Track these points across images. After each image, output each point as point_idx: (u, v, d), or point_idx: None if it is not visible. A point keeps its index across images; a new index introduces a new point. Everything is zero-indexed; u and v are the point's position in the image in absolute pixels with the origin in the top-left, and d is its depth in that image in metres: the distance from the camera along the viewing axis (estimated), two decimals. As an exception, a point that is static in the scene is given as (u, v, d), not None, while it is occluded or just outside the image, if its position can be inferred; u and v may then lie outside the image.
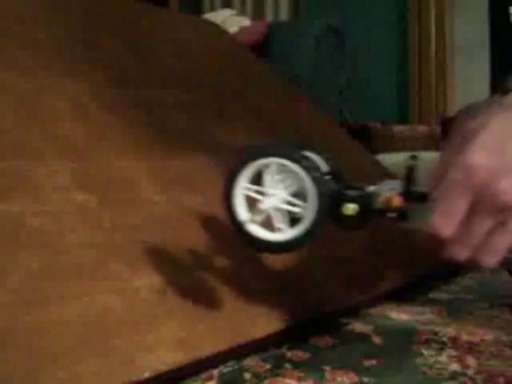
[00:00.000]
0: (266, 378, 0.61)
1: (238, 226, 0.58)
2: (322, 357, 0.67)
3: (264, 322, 0.69)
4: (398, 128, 2.13)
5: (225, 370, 0.63)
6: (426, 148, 1.88)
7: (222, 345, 0.63)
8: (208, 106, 1.00)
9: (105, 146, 0.77)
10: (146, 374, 0.55)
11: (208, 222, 0.78)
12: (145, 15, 1.18)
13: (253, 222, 0.57)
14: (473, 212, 0.53)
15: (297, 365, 0.64)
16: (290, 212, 0.57)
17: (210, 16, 2.23)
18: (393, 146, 1.96)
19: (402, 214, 0.57)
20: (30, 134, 0.71)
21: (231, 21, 2.24)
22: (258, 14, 2.86)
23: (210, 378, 0.61)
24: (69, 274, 0.59)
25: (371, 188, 0.59)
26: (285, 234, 0.56)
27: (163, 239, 0.70)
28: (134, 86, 0.93)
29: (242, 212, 0.58)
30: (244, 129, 1.02)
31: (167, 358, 0.58)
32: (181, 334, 0.61)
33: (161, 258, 0.68)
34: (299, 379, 0.61)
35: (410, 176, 0.59)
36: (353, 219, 0.57)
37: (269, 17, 2.87)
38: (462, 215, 0.54)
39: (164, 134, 0.87)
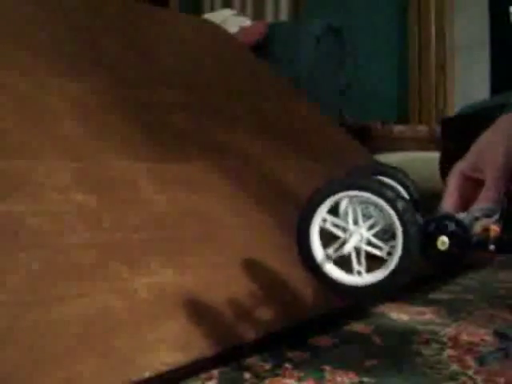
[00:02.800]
0: (265, 377, 0.61)
1: (314, 267, 0.51)
2: (322, 357, 0.67)
3: (264, 322, 0.69)
4: (398, 128, 2.13)
5: (225, 370, 0.62)
6: (425, 148, 1.88)
7: (222, 345, 0.63)
8: (208, 106, 1.00)
9: (105, 146, 0.77)
10: (146, 374, 0.55)
11: (207, 222, 0.78)
12: (145, 15, 1.18)
13: (330, 261, 0.50)
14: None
15: (297, 365, 0.64)
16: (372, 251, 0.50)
17: (209, 16, 2.22)
18: (393, 145, 1.96)
19: (502, 245, 0.50)
20: (30, 134, 0.71)
21: (231, 21, 2.24)
22: (258, 14, 2.86)
23: (210, 378, 0.61)
24: (69, 274, 0.59)
25: (462, 216, 0.51)
26: (366, 277, 0.49)
27: (163, 239, 0.70)
28: (134, 86, 0.93)
29: (318, 251, 0.50)
30: (244, 129, 1.02)
31: (167, 358, 0.58)
32: (181, 334, 0.61)
33: (161, 258, 0.68)
34: (299, 379, 0.61)
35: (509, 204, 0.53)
36: (448, 255, 0.49)
37: (269, 17, 2.87)
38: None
39: (164, 134, 0.87)
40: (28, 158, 0.68)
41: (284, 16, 2.88)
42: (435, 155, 1.19)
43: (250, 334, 0.67)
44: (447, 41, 2.50)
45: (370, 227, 0.50)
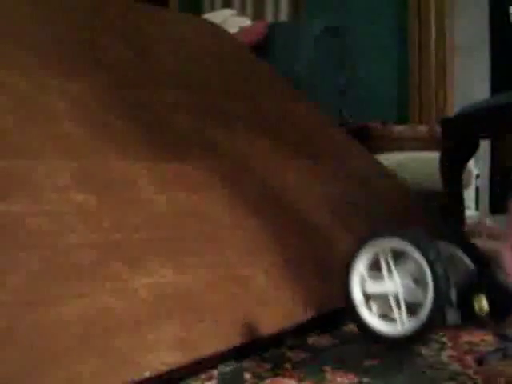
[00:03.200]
0: (265, 377, 0.61)
1: (352, 310, 0.54)
2: (322, 357, 0.67)
3: (264, 322, 0.69)
4: (398, 128, 2.13)
5: (224, 370, 0.62)
6: (425, 148, 1.87)
7: (222, 345, 0.63)
8: (208, 106, 1.00)
9: (105, 146, 0.77)
10: (146, 374, 0.55)
11: (207, 222, 0.78)
12: (145, 15, 1.18)
13: (367, 308, 0.54)
14: None
15: (297, 365, 0.64)
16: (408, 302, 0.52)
17: (209, 16, 2.22)
18: (393, 146, 1.96)
19: None
20: (30, 134, 0.71)
21: (231, 21, 2.24)
22: (258, 14, 2.86)
23: (210, 378, 0.61)
24: (69, 274, 0.59)
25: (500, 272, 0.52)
26: (398, 326, 0.52)
27: (163, 239, 0.70)
28: (134, 85, 0.93)
29: (357, 296, 0.54)
30: (244, 129, 1.02)
31: (167, 358, 0.58)
32: (181, 334, 0.61)
33: (161, 258, 0.67)
34: (299, 379, 0.61)
35: None
36: (488, 313, 0.50)
37: (269, 17, 2.86)
38: None
39: (164, 134, 0.87)
40: (28, 158, 0.68)
41: (284, 16, 2.87)
42: (435, 155, 1.18)
43: (250, 334, 0.67)
44: (447, 41, 2.49)
45: (406, 276, 0.52)
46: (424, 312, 0.49)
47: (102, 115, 0.82)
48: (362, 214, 1.02)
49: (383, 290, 0.52)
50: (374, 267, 0.53)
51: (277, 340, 0.70)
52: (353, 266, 0.53)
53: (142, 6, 1.23)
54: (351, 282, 0.53)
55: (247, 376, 0.61)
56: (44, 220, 0.62)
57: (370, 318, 0.53)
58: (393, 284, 0.51)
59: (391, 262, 0.52)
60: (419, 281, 0.50)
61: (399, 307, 0.51)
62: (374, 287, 0.53)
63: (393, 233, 0.51)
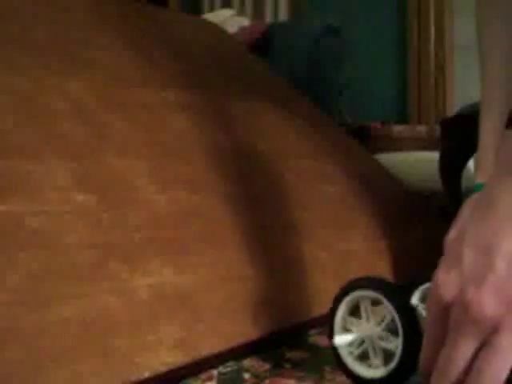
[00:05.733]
0: (265, 377, 0.61)
1: (336, 353, 0.57)
2: (322, 357, 0.67)
3: (264, 322, 0.69)
4: (398, 128, 2.13)
5: (224, 370, 0.62)
6: (425, 148, 1.87)
7: (222, 345, 0.64)
8: (208, 106, 1.00)
9: (105, 146, 0.77)
10: (146, 374, 0.55)
11: (208, 222, 0.78)
12: (145, 15, 1.18)
13: (349, 352, 0.56)
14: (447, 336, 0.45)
15: (297, 365, 0.64)
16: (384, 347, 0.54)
17: (209, 16, 2.22)
18: (392, 146, 1.95)
19: None
20: (30, 134, 0.71)
21: (231, 21, 2.23)
22: (257, 14, 2.86)
23: (210, 378, 0.61)
24: (69, 274, 0.59)
25: None
26: (376, 370, 0.54)
27: (163, 239, 0.70)
28: (133, 85, 0.93)
29: (338, 340, 0.56)
30: (244, 129, 1.02)
31: (167, 358, 0.58)
32: (181, 333, 0.61)
33: (161, 258, 0.68)
34: (299, 379, 0.61)
35: None
36: None
37: (268, 17, 2.86)
38: (438, 342, 0.46)
39: (164, 134, 0.87)
40: (28, 158, 0.68)
41: (283, 16, 2.88)
42: (435, 155, 1.18)
43: (250, 334, 0.67)
44: (447, 41, 2.49)
45: (380, 323, 0.55)
46: (396, 358, 0.52)
47: (102, 115, 0.82)
48: (361, 214, 1.02)
49: (361, 335, 0.55)
50: (357, 312, 0.57)
51: (277, 340, 0.70)
52: (334, 312, 0.57)
53: (141, 6, 1.23)
54: (334, 327, 0.57)
55: (247, 376, 0.61)
56: (44, 220, 0.62)
57: (351, 361, 0.56)
58: (370, 329, 0.55)
59: (369, 309, 0.55)
60: (392, 328, 0.53)
61: (375, 352, 0.54)
62: (353, 332, 0.56)
63: (368, 284, 0.55)
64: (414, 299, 0.54)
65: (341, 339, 0.56)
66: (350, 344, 0.56)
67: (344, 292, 0.57)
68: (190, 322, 0.63)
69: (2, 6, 0.89)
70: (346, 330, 0.57)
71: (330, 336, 0.57)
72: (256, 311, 0.69)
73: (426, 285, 0.53)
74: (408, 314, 0.52)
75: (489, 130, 0.67)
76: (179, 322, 0.62)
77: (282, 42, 2.06)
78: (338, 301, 0.57)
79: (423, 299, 0.53)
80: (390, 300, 0.53)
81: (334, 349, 0.57)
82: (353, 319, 0.56)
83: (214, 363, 0.63)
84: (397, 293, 0.54)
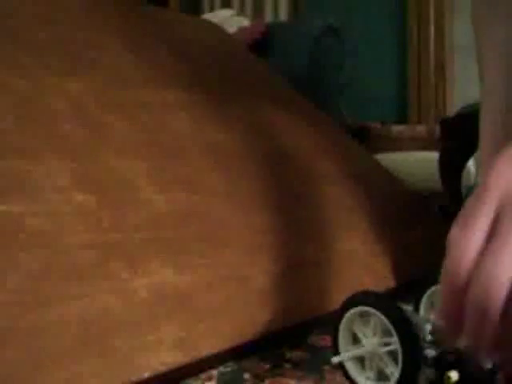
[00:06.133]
0: (265, 377, 0.61)
1: (341, 366, 0.56)
2: (322, 357, 0.67)
3: (264, 322, 0.69)
4: (398, 128, 2.13)
5: (224, 370, 0.63)
6: (425, 148, 1.87)
7: (222, 345, 0.64)
8: (208, 106, 1.00)
9: (105, 145, 0.77)
10: (146, 374, 0.55)
11: (207, 222, 0.78)
12: (145, 15, 1.18)
13: (352, 363, 0.55)
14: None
15: (297, 365, 0.64)
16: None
17: (209, 16, 2.22)
18: (392, 146, 1.96)
19: None
20: (30, 134, 0.71)
21: (231, 21, 2.24)
22: (257, 14, 2.86)
23: (210, 378, 0.61)
24: (69, 274, 0.59)
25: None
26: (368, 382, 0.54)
27: (163, 239, 0.70)
28: (134, 85, 0.93)
29: (341, 350, 0.56)
30: (244, 129, 1.02)
31: (167, 358, 0.58)
32: (181, 333, 0.61)
33: (161, 258, 0.68)
34: (299, 379, 0.61)
35: None
36: None
37: (268, 17, 2.87)
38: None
39: (164, 134, 0.87)
40: (28, 158, 0.68)
41: (283, 16, 2.88)
42: (435, 155, 1.19)
43: (249, 334, 0.67)
44: (446, 41, 2.50)
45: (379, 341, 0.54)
46: (395, 375, 0.51)
47: (102, 115, 0.82)
48: (361, 214, 1.02)
49: (361, 352, 0.55)
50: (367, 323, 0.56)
51: (277, 340, 0.70)
52: (338, 328, 0.57)
53: (142, 6, 1.23)
54: (338, 343, 0.56)
55: (247, 376, 0.61)
56: (44, 220, 0.62)
57: (357, 375, 0.56)
58: (369, 347, 0.54)
59: (378, 327, 0.54)
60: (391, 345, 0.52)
61: (372, 369, 0.54)
62: (354, 349, 0.56)
63: (366, 301, 0.54)
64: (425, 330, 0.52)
65: (344, 356, 0.56)
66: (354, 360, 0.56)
67: (348, 305, 0.55)
68: (189, 322, 0.63)
69: (2, 5, 0.89)
70: (354, 339, 0.56)
71: (335, 352, 0.57)
72: (256, 311, 0.69)
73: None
74: (413, 351, 0.50)
75: (489, 129, 0.67)
76: (179, 322, 0.62)
77: (282, 42, 2.06)
78: (341, 313, 0.56)
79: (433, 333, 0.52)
80: (399, 332, 0.50)
81: (340, 363, 0.56)
82: (363, 328, 0.55)
83: (214, 363, 0.63)
84: (407, 324, 0.51)
